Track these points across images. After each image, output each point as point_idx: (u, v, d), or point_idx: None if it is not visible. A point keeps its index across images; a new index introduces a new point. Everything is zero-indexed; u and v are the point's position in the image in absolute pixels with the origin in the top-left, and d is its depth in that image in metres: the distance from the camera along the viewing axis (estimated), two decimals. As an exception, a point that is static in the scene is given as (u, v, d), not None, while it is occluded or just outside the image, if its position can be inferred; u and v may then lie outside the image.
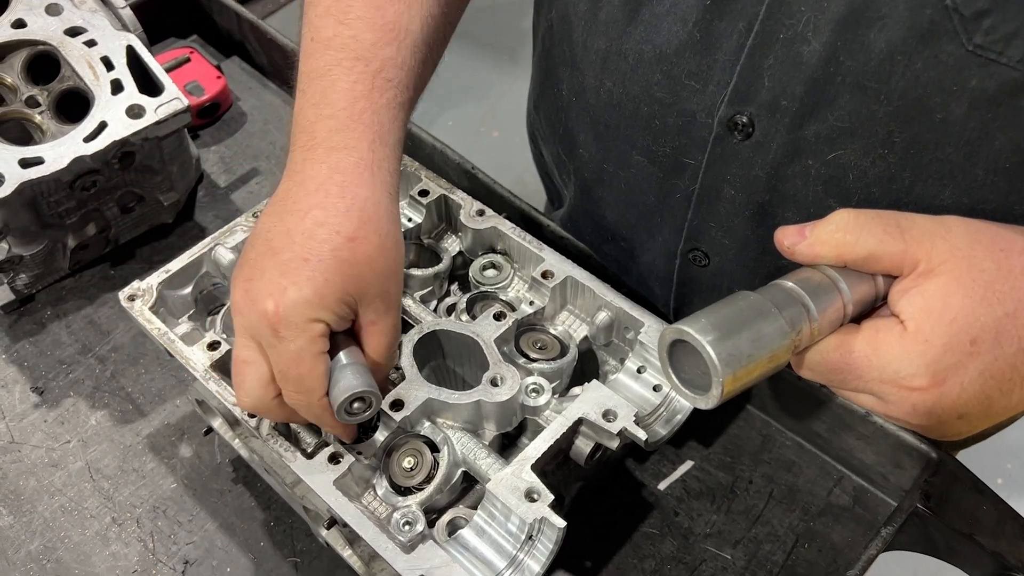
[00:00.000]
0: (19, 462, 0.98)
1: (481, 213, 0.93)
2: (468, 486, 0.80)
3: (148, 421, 1.01)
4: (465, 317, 0.88)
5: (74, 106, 1.05)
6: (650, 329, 0.84)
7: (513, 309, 0.87)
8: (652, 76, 0.80)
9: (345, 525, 0.73)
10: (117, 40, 1.08)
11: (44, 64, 1.07)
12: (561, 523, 0.70)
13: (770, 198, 0.79)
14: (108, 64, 1.06)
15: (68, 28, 1.07)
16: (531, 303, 0.88)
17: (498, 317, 0.84)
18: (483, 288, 0.91)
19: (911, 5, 0.63)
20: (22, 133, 1.07)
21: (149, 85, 1.07)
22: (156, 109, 1.04)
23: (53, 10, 1.09)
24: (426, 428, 0.79)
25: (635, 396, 0.84)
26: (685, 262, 0.92)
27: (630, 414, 0.76)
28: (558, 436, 0.75)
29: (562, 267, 0.88)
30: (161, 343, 0.85)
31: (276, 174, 1.24)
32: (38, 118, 1.04)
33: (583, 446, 0.79)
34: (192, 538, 0.92)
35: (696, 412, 0.83)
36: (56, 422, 1.01)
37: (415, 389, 0.78)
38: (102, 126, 1.01)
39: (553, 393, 0.80)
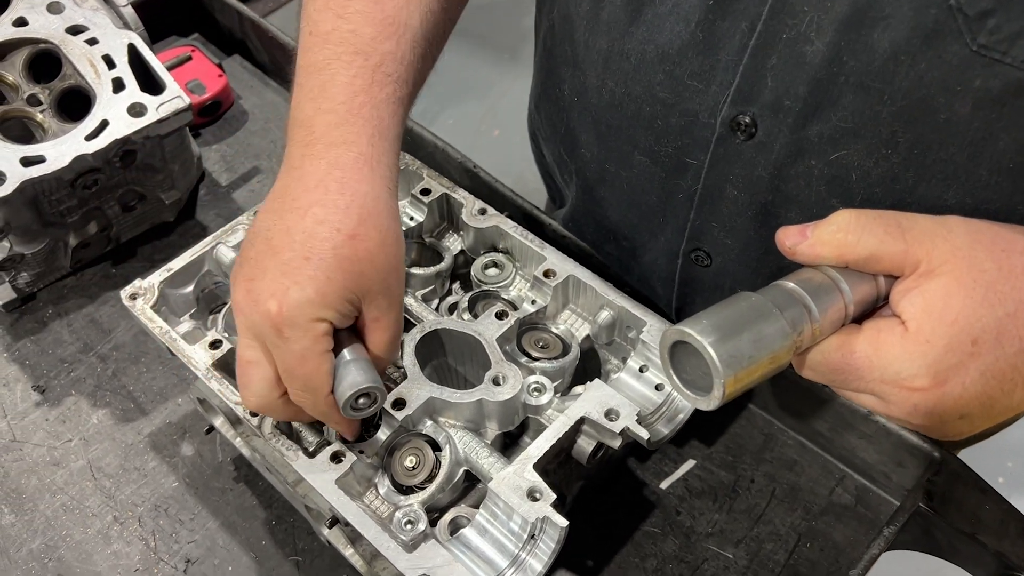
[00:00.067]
0: (21, 461, 0.98)
1: (483, 212, 0.93)
2: (470, 485, 0.80)
3: (150, 420, 1.01)
4: (467, 316, 0.88)
5: (75, 104, 1.05)
6: (652, 328, 0.83)
7: (515, 308, 0.87)
8: (654, 76, 0.80)
9: (347, 524, 0.73)
10: (118, 38, 1.08)
11: (45, 62, 1.07)
12: (563, 522, 0.70)
13: (773, 198, 0.79)
14: (109, 62, 1.06)
15: (69, 26, 1.07)
16: (533, 302, 0.88)
17: (500, 316, 0.84)
18: (485, 287, 0.91)
19: (915, 5, 0.62)
20: (23, 131, 1.06)
21: (150, 83, 1.07)
22: (157, 107, 1.04)
23: (54, 8, 1.08)
24: (428, 427, 0.79)
25: (637, 395, 0.84)
26: (687, 262, 0.92)
27: (632, 413, 0.76)
28: (560, 435, 0.75)
29: (564, 266, 0.88)
30: (163, 342, 0.85)
31: (277, 172, 1.24)
32: (39, 116, 1.04)
33: (585, 445, 0.79)
34: (194, 537, 0.92)
35: (698, 411, 0.83)
36: (58, 421, 1.01)
37: (417, 388, 0.78)
38: (103, 124, 1.01)
39: (555, 392, 0.80)
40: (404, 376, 0.79)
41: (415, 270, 0.91)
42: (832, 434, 0.93)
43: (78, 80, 1.05)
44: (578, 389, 0.83)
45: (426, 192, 0.95)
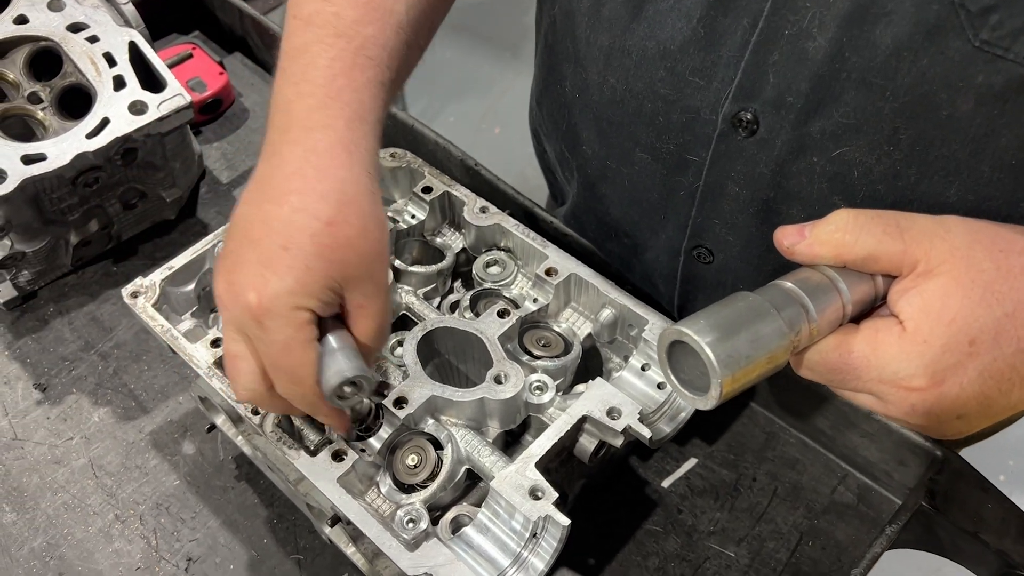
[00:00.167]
0: (22, 459, 0.98)
1: (484, 210, 0.92)
2: (472, 484, 0.80)
3: (151, 418, 1.01)
4: (469, 314, 0.88)
5: (76, 102, 1.05)
6: (654, 327, 0.83)
7: (517, 306, 0.87)
8: (656, 72, 0.80)
9: (349, 523, 0.73)
10: (119, 36, 1.08)
11: (46, 60, 1.07)
12: (565, 521, 0.70)
13: (774, 195, 0.79)
14: (110, 60, 1.06)
15: (70, 24, 1.07)
16: (535, 300, 0.88)
17: (502, 314, 0.83)
18: (486, 285, 0.91)
19: (917, 1, 0.62)
20: (24, 129, 1.07)
21: (151, 81, 1.07)
22: (158, 105, 1.04)
23: (55, 6, 1.08)
24: (430, 425, 0.79)
25: (639, 394, 0.84)
26: (689, 259, 0.92)
27: (634, 412, 0.76)
28: (562, 434, 0.75)
29: (566, 264, 0.88)
30: (164, 340, 0.85)
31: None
32: (40, 114, 1.04)
33: (587, 444, 0.79)
34: (195, 535, 0.92)
35: (699, 410, 0.82)
36: (59, 419, 1.01)
37: (419, 386, 0.78)
38: (104, 122, 1.01)
39: (557, 391, 0.80)
40: (406, 374, 0.79)
41: (416, 268, 0.91)
42: (834, 432, 0.93)
43: (79, 78, 1.05)
44: (580, 388, 0.83)
45: (427, 190, 0.95)
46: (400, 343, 0.88)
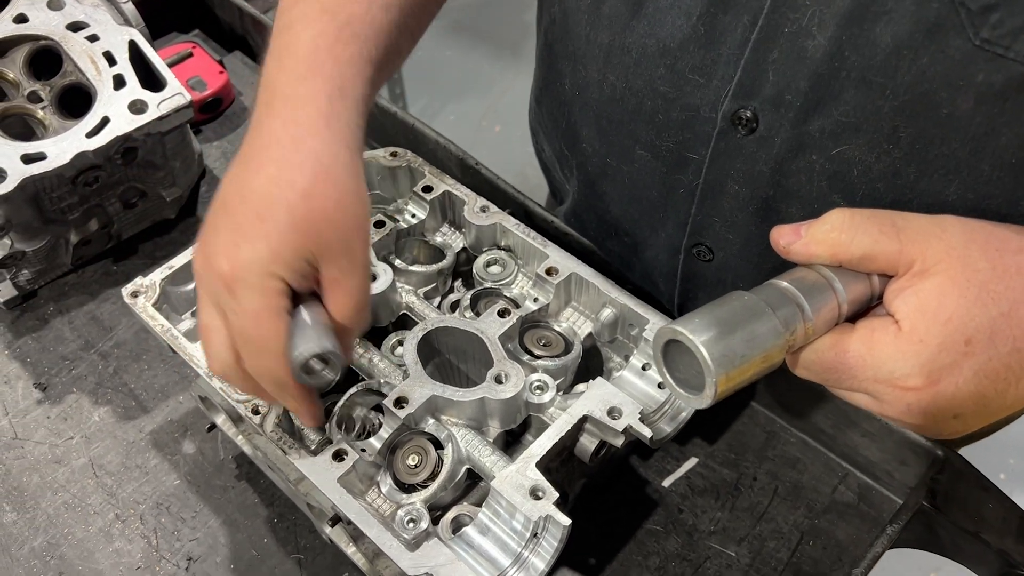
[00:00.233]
0: (22, 458, 0.98)
1: (484, 209, 0.92)
2: (472, 483, 0.80)
3: (151, 417, 1.01)
4: (469, 314, 0.88)
5: (76, 101, 1.05)
6: (655, 326, 0.83)
7: (517, 306, 0.87)
8: (655, 70, 0.80)
9: (349, 522, 0.73)
10: (119, 35, 1.08)
11: (46, 59, 1.07)
12: (566, 521, 0.70)
13: (774, 193, 0.79)
14: (110, 59, 1.06)
15: (70, 23, 1.07)
16: (535, 300, 0.88)
17: (502, 314, 0.83)
18: (487, 285, 0.91)
19: None
20: (24, 128, 1.06)
21: (151, 80, 1.07)
22: (159, 104, 1.04)
23: (55, 5, 1.08)
24: (430, 425, 0.79)
25: (640, 393, 0.84)
26: (689, 257, 0.92)
27: (635, 411, 0.76)
28: (563, 433, 0.75)
29: (567, 264, 0.88)
30: (164, 340, 0.85)
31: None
32: (40, 113, 1.04)
33: (588, 443, 0.79)
34: (195, 535, 0.92)
35: (700, 409, 0.83)
36: (59, 418, 1.01)
37: (419, 386, 0.78)
38: (104, 121, 1.01)
39: (557, 390, 0.80)
40: (406, 374, 0.79)
41: (416, 267, 0.91)
42: (835, 432, 0.93)
43: (79, 77, 1.05)
44: (580, 387, 0.83)
45: (428, 189, 0.95)
46: (400, 343, 0.88)
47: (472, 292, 0.90)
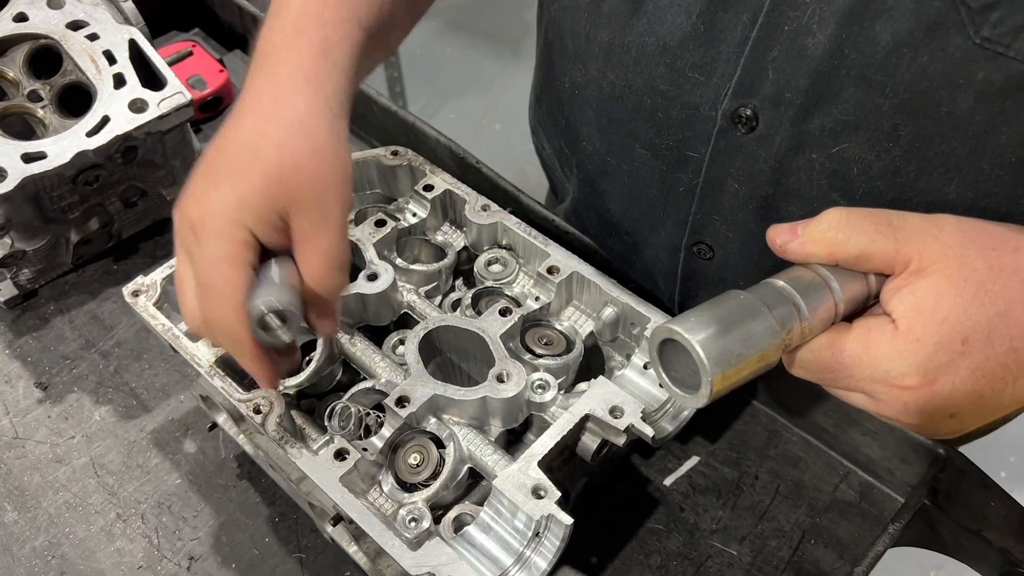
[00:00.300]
0: (23, 458, 0.98)
1: (485, 208, 0.92)
2: (474, 482, 0.80)
3: (152, 417, 1.01)
4: (470, 313, 0.88)
5: (76, 100, 1.05)
6: (656, 325, 0.83)
7: (519, 305, 0.86)
8: (655, 68, 0.80)
9: (351, 522, 0.73)
10: (119, 34, 1.08)
11: (46, 58, 1.07)
12: (568, 520, 0.70)
13: (774, 192, 0.79)
14: (110, 58, 1.06)
15: (70, 22, 1.07)
16: (537, 299, 0.88)
17: (504, 313, 0.83)
18: (488, 284, 0.91)
19: None
20: (24, 128, 1.06)
21: (151, 79, 1.07)
22: (159, 103, 1.04)
23: (55, 4, 1.08)
24: (432, 424, 0.79)
25: (641, 392, 0.84)
26: (689, 255, 0.92)
27: (637, 410, 0.76)
28: (564, 432, 0.75)
29: (568, 262, 0.88)
30: (166, 339, 0.85)
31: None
32: (40, 112, 1.04)
33: (589, 442, 0.79)
34: (197, 534, 0.92)
35: (702, 408, 0.82)
36: (60, 417, 1.01)
37: (421, 385, 0.78)
38: (105, 120, 1.01)
39: (559, 389, 0.80)
40: (408, 373, 0.79)
41: (418, 266, 0.91)
42: (836, 430, 0.93)
43: (79, 76, 1.05)
44: (582, 386, 0.83)
45: (429, 188, 0.95)
46: (402, 342, 0.88)
47: (473, 291, 0.90)
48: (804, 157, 0.74)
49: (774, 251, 0.64)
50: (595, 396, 0.77)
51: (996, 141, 0.66)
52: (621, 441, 0.76)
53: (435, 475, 0.76)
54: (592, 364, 0.90)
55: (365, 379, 0.83)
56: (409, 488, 0.77)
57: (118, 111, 1.02)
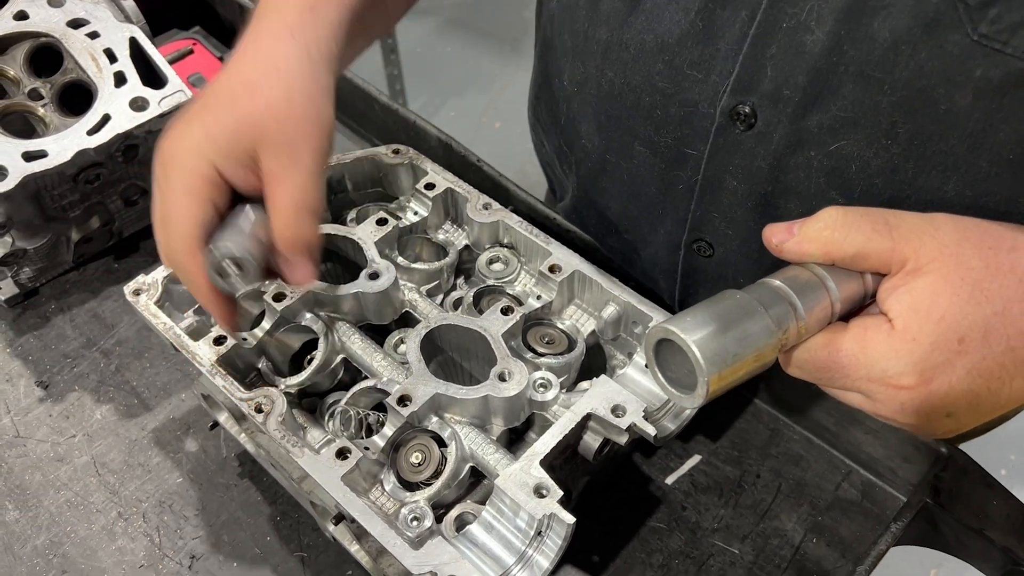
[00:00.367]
0: (24, 456, 0.98)
1: (487, 207, 0.92)
2: (476, 481, 0.80)
3: (154, 415, 1.01)
4: (472, 311, 0.88)
5: (77, 99, 1.05)
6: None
7: (520, 303, 0.86)
8: (654, 66, 0.80)
9: (353, 521, 0.73)
10: (120, 32, 1.08)
11: (47, 56, 1.07)
12: (570, 519, 0.70)
13: (772, 189, 0.79)
14: (111, 56, 1.06)
15: (70, 20, 1.07)
16: (538, 297, 0.88)
17: (505, 311, 0.83)
18: (490, 282, 0.91)
19: None
20: (25, 126, 1.06)
21: (152, 77, 1.07)
22: (160, 102, 1.04)
23: (55, 2, 1.08)
24: (433, 423, 0.78)
25: (643, 391, 0.84)
26: (689, 253, 0.92)
27: (639, 409, 0.76)
28: (566, 431, 0.75)
29: (569, 261, 0.88)
30: (167, 338, 0.84)
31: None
32: (41, 111, 1.03)
33: (591, 441, 0.79)
34: (198, 533, 0.92)
35: (704, 407, 0.82)
36: (61, 416, 1.01)
37: (422, 384, 0.78)
38: (105, 119, 1.01)
39: (561, 388, 0.80)
40: (409, 372, 0.79)
41: (419, 265, 0.91)
42: (838, 429, 0.93)
43: (79, 74, 1.05)
44: (584, 385, 0.83)
45: (430, 187, 0.94)
46: (403, 340, 0.88)
47: (475, 290, 0.90)
48: (802, 154, 0.74)
49: (770, 250, 0.64)
50: (597, 395, 0.77)
51: (994, 138, 0.66)
52: (623, 440, 0.76)
53: (437, 474, 0.76)
54: (594, 363, 0.90)
55: (367, 378, 0.83)
56: (411, 487, 0.77)
57: (119, 109, 1.02)
